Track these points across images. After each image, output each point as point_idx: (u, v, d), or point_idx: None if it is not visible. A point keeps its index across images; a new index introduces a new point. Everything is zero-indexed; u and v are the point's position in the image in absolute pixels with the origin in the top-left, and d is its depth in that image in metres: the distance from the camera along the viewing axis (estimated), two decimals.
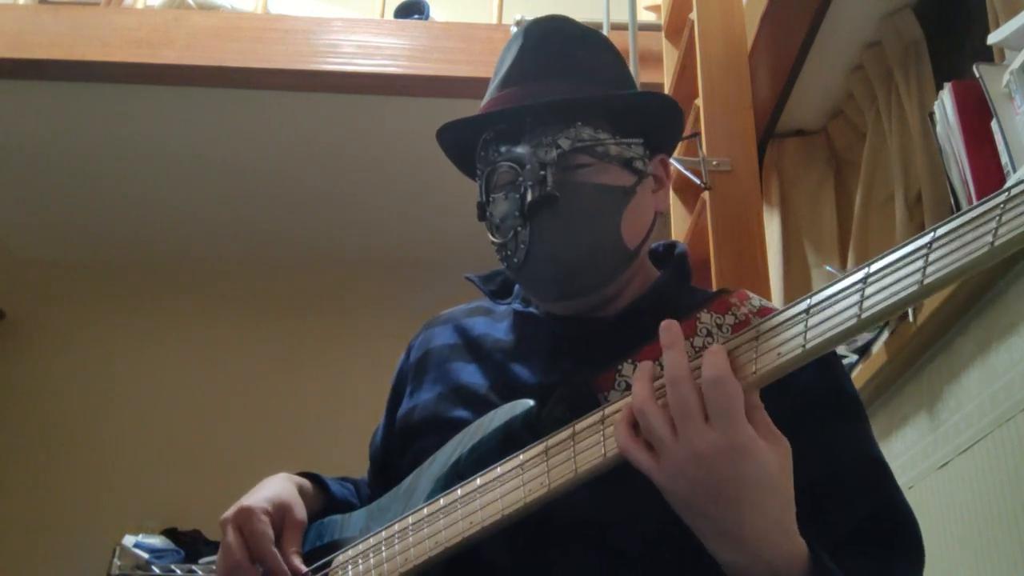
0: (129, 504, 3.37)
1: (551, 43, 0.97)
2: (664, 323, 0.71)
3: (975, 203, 0.58)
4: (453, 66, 2.75)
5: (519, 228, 0.91)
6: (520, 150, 0.91)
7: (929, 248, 0.60)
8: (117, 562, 3.05)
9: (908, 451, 1.53)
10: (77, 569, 3.25)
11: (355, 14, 3.12)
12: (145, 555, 3.02)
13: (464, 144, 0.99)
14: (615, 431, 0.71)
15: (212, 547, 3.16)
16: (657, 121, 0.98)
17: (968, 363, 1.36)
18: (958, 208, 1.56)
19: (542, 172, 0.90)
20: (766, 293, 1.86)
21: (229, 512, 0.91)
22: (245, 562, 0.88)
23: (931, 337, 1.46)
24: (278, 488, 0.95)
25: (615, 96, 0.95)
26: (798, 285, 2.31)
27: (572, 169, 0.91)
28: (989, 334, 1.31)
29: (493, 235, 0.94)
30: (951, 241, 0.59)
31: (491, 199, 0.94)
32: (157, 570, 3.01)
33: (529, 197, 0.89)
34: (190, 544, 3.19)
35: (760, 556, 0.68)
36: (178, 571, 3.03)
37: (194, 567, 3.05)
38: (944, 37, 2.00)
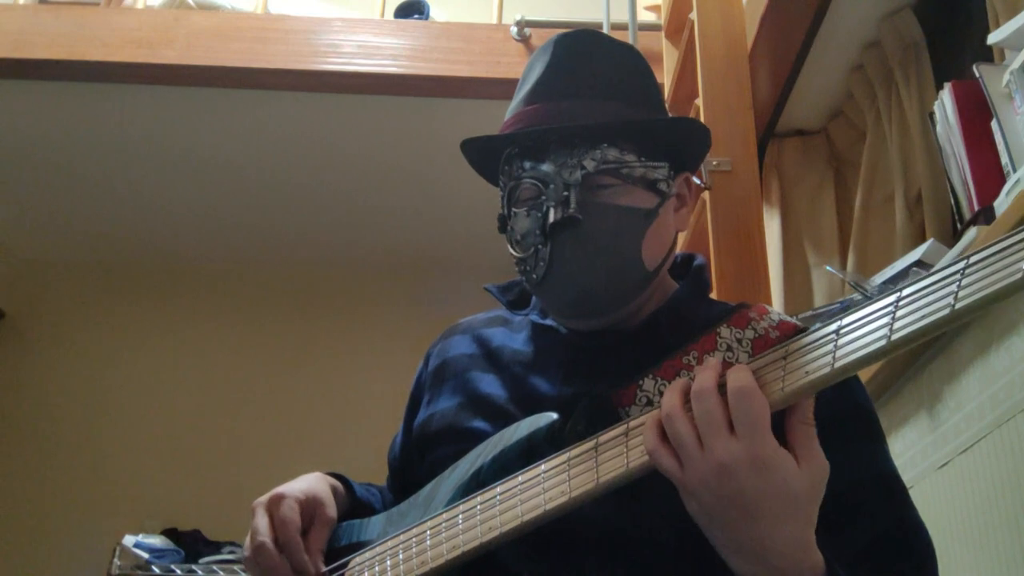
0: (129, 504, 3.37)
1: (581, 58, 0.96)
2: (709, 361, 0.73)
3: (1009, 232, 0.59)
4: (453, 66, 2.74)
5: (540, 246, 0.90)
6: (545, 168, 0.91)
7: (962, 274, 0.60)
8: (117, 562, 3.05)
9: (908, 451, 1.54)
10: (77, 569, 3.25)
11: (355, 14, 3.13)
12: (145, 555, 3.03)
13: (488, 155, 0.98)
14: (644, 432, 0.72)
15: (212, 547, 3.16)
16: (685, 144, 0.98)
17: (968, 363, 1.36)
18: (958, 208, 1.56)
19: (565, 193, 0.89)
20: (766, 293, 1.85)
21: (263, 497, 0.93)
22: (271, 545, 0.89)
23: (931, 337, 1.46)
24: (313, 483, 0.96)
25: (644, 121, 0.95)
26: (798, 285, 2.31)
27: (595, 190, 0.91)
28: (989, 334, 1.31)
29: (513, 248, 0.94)
30: (984, 268, 0.60)
31: (513, 213, 0.94)
32: (157, 570, 3.01)
33: (551, 217, 0.89)
34: (190, 544, 3.19)
35: (776, 568, 0.69)
36: (178, 571, 3.03)
37: (194, 567, 3.05)
38: (944, 37, 2.00)
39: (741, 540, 0.69)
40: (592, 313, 0.93)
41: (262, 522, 0.90)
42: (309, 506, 0.93)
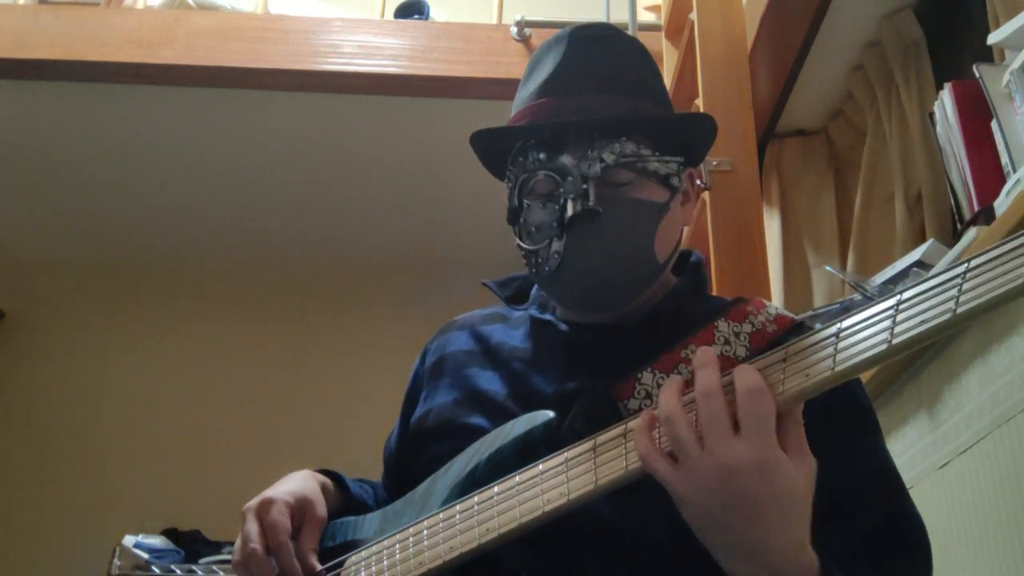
0: (129, 504, 3.37)
1: (595, 52, 0.96)
2: (700, 349, 0.72)
3: (1010, 236, 0.59)
4: (453, 66, 2.74)
5: (555, 239, 0.90)
6: (563, 161, 0.90)
7: (963, 278, 0.60)
8: (117, 562, 3.05)
9: (908, 451, 1.53)
10: (77, 569, 3.25)
11: (355, 14, 3.12)
12: (145, 555, 3.02)
13: (498, 146, 0.98)
14: (635, 437, 0.71)
15: (212, 547, 3.16)
16: (696, 140, 0.98)
17: (968, 363, 1.36)
18: (958, 208, 1.56)
19: (584, 186, 0.89)
20: (766, 293, 1.86)
21: (252, 502, 0.92)
22: (261, 552, 0.88)
23: (932, 341, 1.46)
24: (301, 483, 0.96)
25: (667, 117, 0.96)
26: (798, 285, 2.31)
27: (613, 185, 0.91)
28: (989, 334, 1.31)
29: (523, 240, 0.94)
30: (986, 272, 0.59)
31: (526, 205, 0.93)
32: (157, 570, 3.01)
33: (570, 210, 0.89)
34: (190, 544, 3.19)
35: (774, 567, 0.69)
36: (178, 571, 3.03)
37: (194, 567, 3.05)
38: (944, 37, 2.00)
39: (740, 542, 0.68)
40: (604, 306, 0.93)
41: (252, 528, 0.90)
42: (299, 507, 0.92)
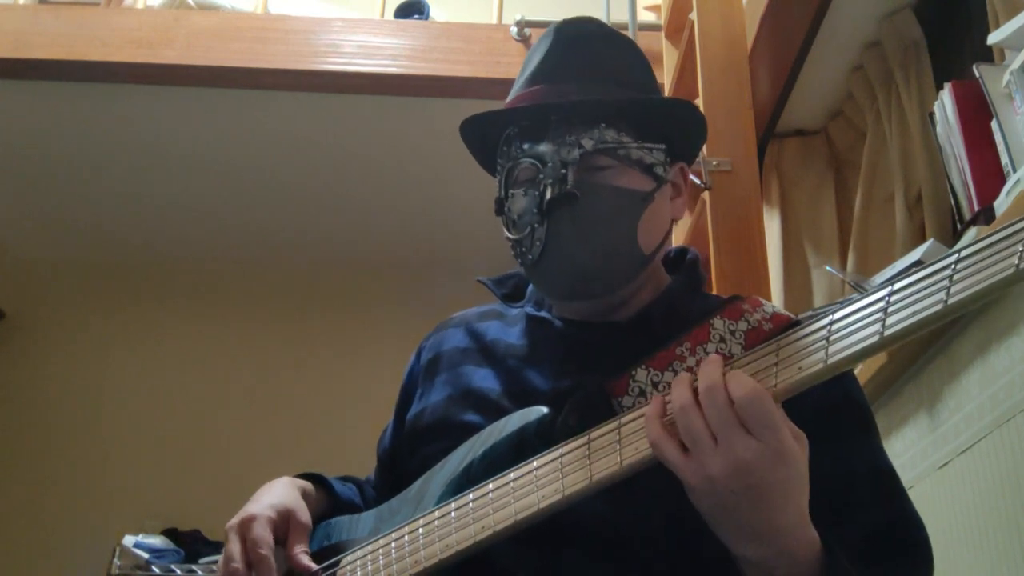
0: (129, 504, 3.37)
1: (581, 44, 0.97)
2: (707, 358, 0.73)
3: (1000, 226, 0.59)
4: (453, 66, 2.74)
5: (536, 225, 0.90)
6: (542, 148, 0.91)
7: (954, 269, 0.60)
8: (117, 562, 3.05)
9: (908, 451, 1.54)
10: (77, 569, 3.25)
11: (355, 14, 3.12)
12: (145, 555, 3.02)
13: (486, 139, 0.99)
14: (647, 423, 0.71)
15: (212, 547, 3.16)
16: (681, 129, 0.98)
17: (968, 363, 1.36)
18: (958, 208, 1.56)
19: (563, 171, 0.89)
20: (766, 293, 1.86)
21: (234, 520, 0.92)
22: (244, 572, 0.88)
23: (931, 337, 1.46)
24: (281, 493, 0.95)
25: (642, 100, 0.95)
26: (798, 285, 2.31)
27: (593, 170, 0.91)
28: (989, 334, 1.31)
29: (509, 230, 0.94)
30: (976, 263, 0.59)
31: (510, 194, 0.94)
32: (157, 570, 3.01)
33: (548, 195, 0.89)
34: (190, 544, 3.19)
35: (782, 548, 0.70)
36: (178, 571, 3.03)
37: (194, 567, 3.05)
38: (944, 37, 2.00)
39: (755, 527, 0.69)
40: (587, 294, 0.93)
41: (235, 547, 0.89)
42: (281, 519, 0.92)
